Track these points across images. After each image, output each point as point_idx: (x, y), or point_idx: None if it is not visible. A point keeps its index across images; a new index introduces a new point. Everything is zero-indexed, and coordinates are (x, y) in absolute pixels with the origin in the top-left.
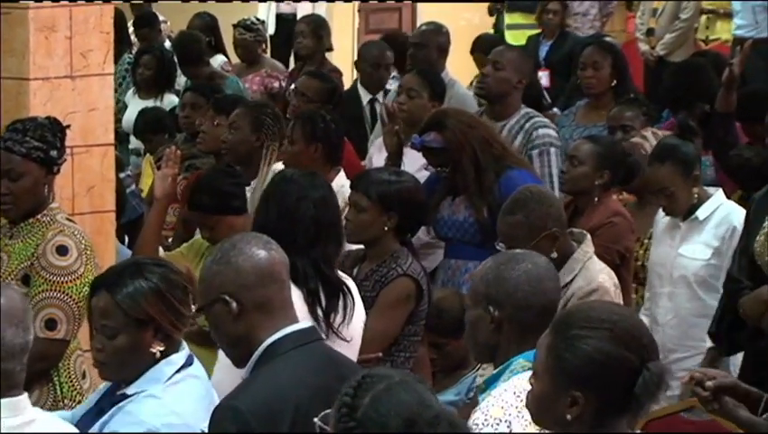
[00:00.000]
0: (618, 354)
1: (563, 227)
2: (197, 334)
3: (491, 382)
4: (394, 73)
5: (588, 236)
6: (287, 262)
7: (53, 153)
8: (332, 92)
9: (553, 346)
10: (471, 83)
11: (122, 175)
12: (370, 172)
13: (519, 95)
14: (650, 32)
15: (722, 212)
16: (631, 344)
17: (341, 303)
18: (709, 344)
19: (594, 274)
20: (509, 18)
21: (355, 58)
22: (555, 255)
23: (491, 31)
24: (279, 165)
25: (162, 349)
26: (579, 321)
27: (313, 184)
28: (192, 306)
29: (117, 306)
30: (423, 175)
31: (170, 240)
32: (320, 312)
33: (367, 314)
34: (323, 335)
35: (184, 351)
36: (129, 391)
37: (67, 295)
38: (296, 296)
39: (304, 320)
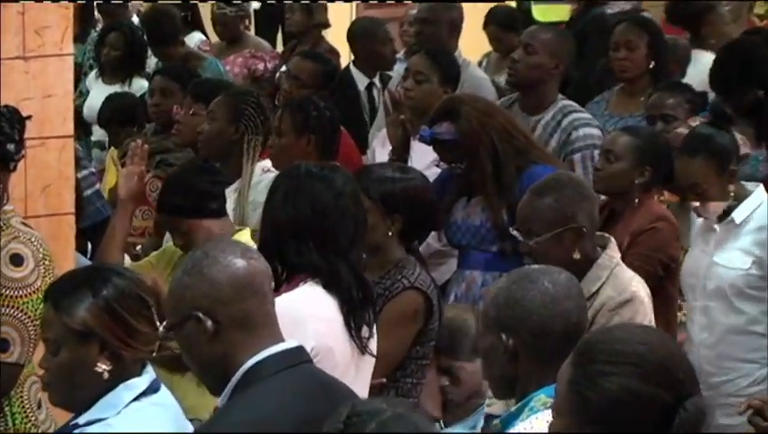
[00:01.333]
0: (648, 393)
1: (592, 228)
2: (169, 359)
3: (507, 422)
4: (399, 55)
5: (613, 240)
6: (270, 272)
7: (10, 147)
8: (329, 75)
9: (574, 382)
10: (480, 63)
11: (83, 173)
12: (371, 168)
13: (556, 83)
14: None
15: (763, 213)
16: (663, 380)
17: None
18: (756, 364)
19: (625, 282)
20: None
21: None
22: (578, 255)
23: (514, 4)
24: (266, 163)
25: (108, 368)
26: (602, 354)
27: (344, 179)
28: (158, 323)
29: (57, 316)
30: (433, 173)
31: (138, 247)
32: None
33: None
34: (359, 351)
35: (148, 375)
36: (81, 420)
37: (21, 311)
38: (330, 304)
39: (337, 335)
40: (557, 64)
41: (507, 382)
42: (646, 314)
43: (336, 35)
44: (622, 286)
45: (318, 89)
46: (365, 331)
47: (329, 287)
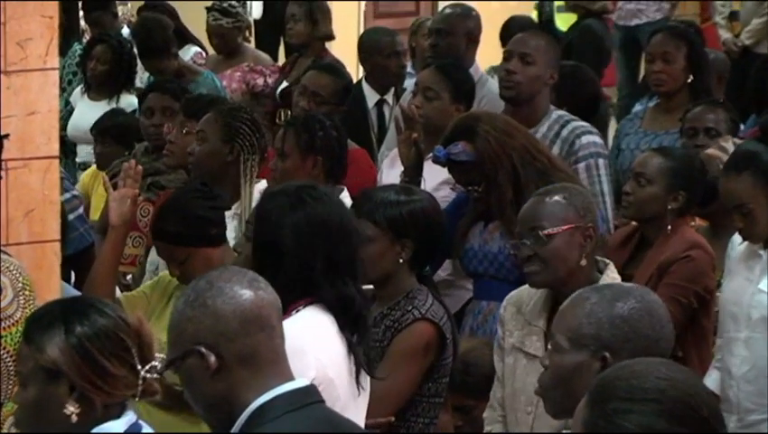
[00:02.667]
0: (669, 432)
1: (597, 239)
2: (166, 395)
3: None
4: (410, 69)
5: (611, 264)
6: (279, 304)
7: None
8: (347, 91)
9: (590, 423)
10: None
11: (66, 196)
12: (372, 192)
13: (548, 94)
14: (733, 15)
15: None
16: (686, 419)
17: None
18: None
19: None
20: None
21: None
22: (584, 262)
23: (534, 14)
24: (263, 184)
25: (76, 411)
26: (619, 391)
27: (335, 195)
28: (139, 367)
29: (30, 351)
30: (446, 195)
31: (128, 277)
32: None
33: (375, 367)
34: (361, 388)
35: (127, 417)
36: None
37: (0, 346)
38: (332, 332)
39: (339, 366)
40: (552, 74)
41: None
42: None
43: (341, 48)
44: None
45: (336, 105)
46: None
47: (335, 311)
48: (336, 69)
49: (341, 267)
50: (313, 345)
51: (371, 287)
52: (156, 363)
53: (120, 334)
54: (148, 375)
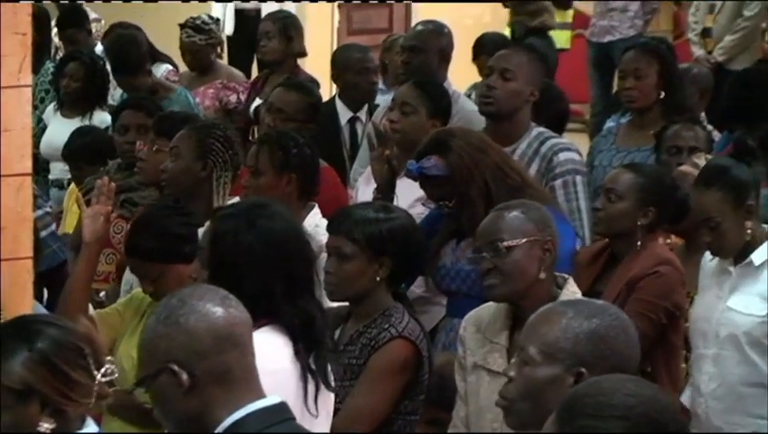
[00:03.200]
0: None
1: (556, 253)
2: (137, 413)
3: None
4: (381, 85)
5: (571, 279)
6: (250, 321)
7: None
8: (315, 108)
9: None
10: (468, 95)
11: (38, 213)
12: (350, 210)
13: (529, 111)
14: (705, 32)
15: None
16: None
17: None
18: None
19: None
20: None
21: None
22: (543, 275)
23: (507, 31)
24: (235, 200)
25: (52, 427)
26: (587, 408)
27: (288, 211)
28: (95, 373)
29: None
30: (421, 212)
31: (102, 293)
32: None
33: (351, 385)
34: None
35: (88, 428)
36: None
37: None
38: (284, 354)
39: (287, 390)
40: (533, 91)
41: None
42: None
43: (315, 65)
44: None
45: (304, 122)
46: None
47: (294, 332)
48: (303, 86)
49: (301, 284)
50: (260, 369)
51: (347, 304)
52: (111, 367)
53: (77, 342)
54: (104, 379)
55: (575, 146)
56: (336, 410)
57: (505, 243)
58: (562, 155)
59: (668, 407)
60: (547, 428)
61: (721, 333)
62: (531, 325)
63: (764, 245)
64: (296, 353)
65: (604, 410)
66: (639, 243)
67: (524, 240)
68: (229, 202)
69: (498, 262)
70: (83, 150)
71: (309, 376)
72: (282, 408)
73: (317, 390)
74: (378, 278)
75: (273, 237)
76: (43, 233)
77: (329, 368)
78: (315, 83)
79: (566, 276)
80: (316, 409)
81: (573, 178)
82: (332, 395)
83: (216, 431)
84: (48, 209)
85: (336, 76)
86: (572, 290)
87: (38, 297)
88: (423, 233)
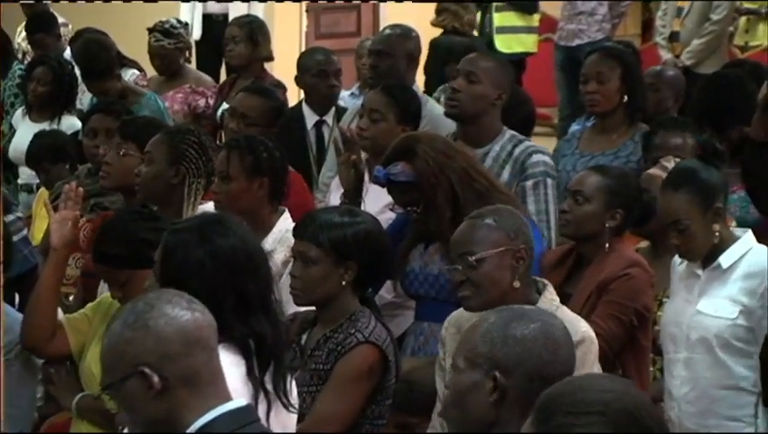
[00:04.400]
0: None
1: (531, 261)
2: (105, 417)
3: None
4: (353, 90)
5: (550, 285)
6: (215, 325)
7: None
8: (278, 113)
9: None
10: (438, 99)
11: (10, 218)
12: (315, 214)
13: (497, 114)
14: (673, 36)
15: (752, 260)
16: (630, 429)
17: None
18: (741, 423)
19: (573, 324)
20: (499, 19)
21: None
22: (517, 284)
23: (475, 34)
24: (208, 206)
25: None
26: (563, 406)
27: (239, 223)
28: None
29: None
30: (388, 218)
31: (71, 298)
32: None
33: (319, 390)
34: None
35: None
36: None
37: None
38: (233, 374)
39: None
40: (500, 94)
41: (482, 426)
42: (596, 355)
43: (283, 69)
44: (570, 328)
45: (267, 127)
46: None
47: (246, 350)
48: (266, 90)
49: (252, 302)
50: None
51: (313, 308)
52: None
53: None
54: None
55: (547, 150)
56: (303, 416)
57: (475, 256)
58: (534, 158)
59: (643, 401)
60: (526, 429)
61: (692, 336)
62: (463, 333)
63: (732, 248)
64: (249, 372)
65: (580, 406)
66: (607, 245)
67: (494, 251)
68: (201, 207)
69: (469, 274)
70: (43, 152)
71: (263, 396)
72: (248, 410)
73: (269, 409)
74: (343, 283)
75: (224, 253)
76: (15, 238)
77: (289, 387)
78: (281, 87)
79: (546, 281)
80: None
81: (544, 180)
82: (293, 416)
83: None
84: (19, 214)
85: (299, 79)
86: (550, 297)
87: (10, 301)
88: (388, 238)
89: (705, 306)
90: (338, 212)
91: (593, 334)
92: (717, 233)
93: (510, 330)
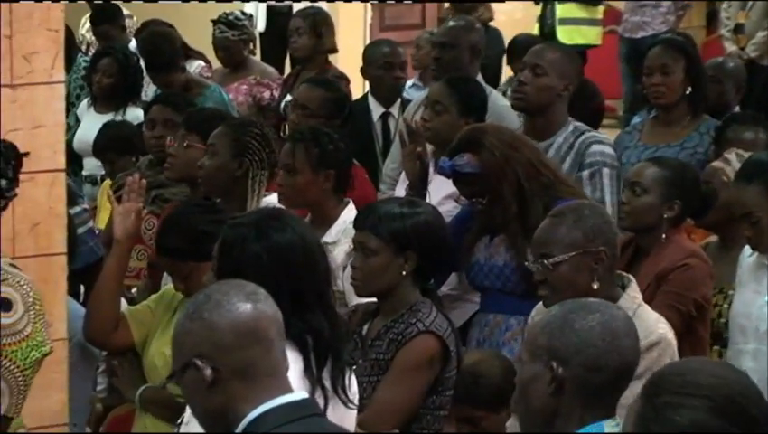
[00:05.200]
0: (718, 429)
1: (613, 259)
2: (168, 409)
3: None
4: (414, 81)
5: (634, 280)
6: (279, 317)
7: (3, 183)
8: (339, 104)
9: (641, 415)
10: (504, 93)
11: (75, 210)
12: (375, 205)
13: (564, 106)
14: (738, 28)
15: None
16: (735, 417)
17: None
18: None
19: (650, 324)
20: (561, 10)
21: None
22: (597, 285)
23: (536, 26)
24: (272, 198)
25: None
26: (672, 386)
27: (297, 219)
28: None
29: None
30: (451, 208)
31: (133, 289)
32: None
33: (379, 380)
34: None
35: None
36: None
37: (10, 360)
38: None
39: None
40: (567, 85)
41: (545, 417)
42: (673, 357)
43: (347, 61)
44: (647, 328)
45: (328, 118)
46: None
47: (303, 346)
48: (328, 82)
49: (309, 298)
50: None
51: (375, 299)
52: None
53: None
54: None
55: (609, 140)
56: (364, 406)
57: (552, 259)
58: (593, 148)
59: (751, 391)
60: (633, 405)
61: (761, 328)
62: (528, 327)
63: None
64: (306, 368)
65: (689, 388)
66: (664, 236)
67: (572, 254)
68: (265, 199)
69: (547, 275)
70: (110, 142)
71: (321, 392)
72: (307, 403)
73: (326, 405)
74: (403, 273)
75: (280, 249)
76: (80, 230)
77: (348, 382)
78: (344, 79)
79: (631, 277)
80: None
81: (600, 169)
82: (352, 412)
83: (240, 426)
84: (85, 206)
85: (364, 71)
86: (632, 295)
87: (74, 293)
88: (447, 229)
89: None
90: (398, 203)
91: (671, 337)
92: None
93: (569, 321)
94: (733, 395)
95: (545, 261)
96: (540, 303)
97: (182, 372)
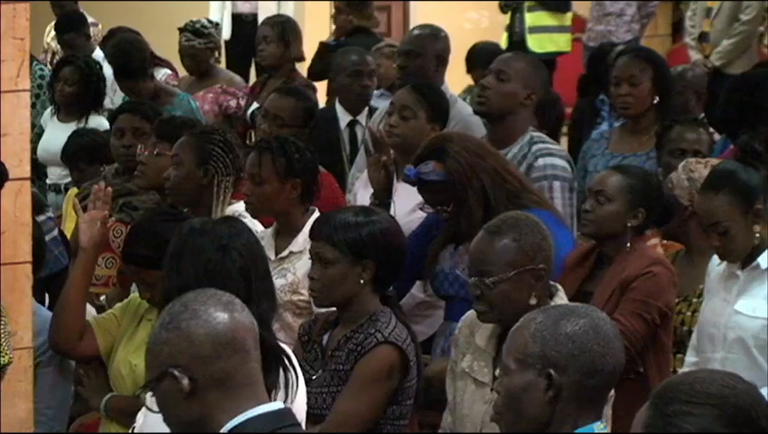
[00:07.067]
0: None
1: (549, 272)
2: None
3: None
4: (383, 90)
5: (561, 289)
6: (255, 327)
7: None
8: (310, 113)
9: (650, 424)
10: (464, 99)
11: (41, 218)
12: (331, 215)
13: (527, 114)
14: (703, 36)
15: None
16: (743, 426)
17: (282, 377)
18: None
19: None
20: (531, 18)
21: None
22: (534, 301)
23: (504, 35)
24: (238, 206)
25: None
26: (682, 394)
27: (233, 232)
28: None
29: None
30: (417, 217)
31: (102, 298)
32: None
33: (339, 391)
34: None
35: None
36: None
37: None
38: None
39: None
40: (530, 94)
41: (539, 425)
42: None
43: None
44: None
45: (299, 127)
46: (282, 395)
47: None
48: (299, 91)
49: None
50: None
51: (334, 309)
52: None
53: None
54: None
55: (561, 151)
56: (324, 417)
57: (491, 279)
58: (541, 161)
59: (760, 402)
60: (640, 414)
61: (729, 336)
62: (509, 337)
63: None
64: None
65: (698, 396)
66: (628, 244)
67: (512, 273)
68: (230, 207)
69: (486, 292)
70: (81, 151)
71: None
72: (284, 413)
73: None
74: (361, 282)
75: (196, 259)
76: (47, 238)
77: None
78: (311, 88)
79: (558, 286)
80: None
81: (550, 184)
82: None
83: None
84: (50, 214)
85: (332, 79)
86: (560, 302)
87: (40, 301)
88: (404, 236)
89: (743, 307)
90: (353, 212)
91: None
92: (758, 234)
93: (561, 328)
94: (741, 405)
95: (485, 280)
96: (468, 314)
97: (158, 381)
